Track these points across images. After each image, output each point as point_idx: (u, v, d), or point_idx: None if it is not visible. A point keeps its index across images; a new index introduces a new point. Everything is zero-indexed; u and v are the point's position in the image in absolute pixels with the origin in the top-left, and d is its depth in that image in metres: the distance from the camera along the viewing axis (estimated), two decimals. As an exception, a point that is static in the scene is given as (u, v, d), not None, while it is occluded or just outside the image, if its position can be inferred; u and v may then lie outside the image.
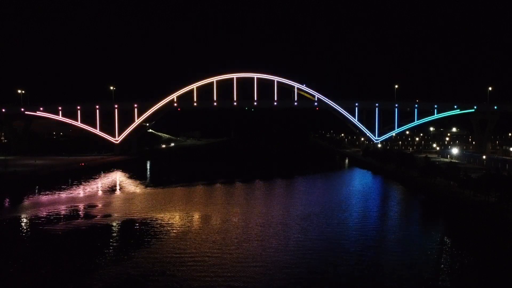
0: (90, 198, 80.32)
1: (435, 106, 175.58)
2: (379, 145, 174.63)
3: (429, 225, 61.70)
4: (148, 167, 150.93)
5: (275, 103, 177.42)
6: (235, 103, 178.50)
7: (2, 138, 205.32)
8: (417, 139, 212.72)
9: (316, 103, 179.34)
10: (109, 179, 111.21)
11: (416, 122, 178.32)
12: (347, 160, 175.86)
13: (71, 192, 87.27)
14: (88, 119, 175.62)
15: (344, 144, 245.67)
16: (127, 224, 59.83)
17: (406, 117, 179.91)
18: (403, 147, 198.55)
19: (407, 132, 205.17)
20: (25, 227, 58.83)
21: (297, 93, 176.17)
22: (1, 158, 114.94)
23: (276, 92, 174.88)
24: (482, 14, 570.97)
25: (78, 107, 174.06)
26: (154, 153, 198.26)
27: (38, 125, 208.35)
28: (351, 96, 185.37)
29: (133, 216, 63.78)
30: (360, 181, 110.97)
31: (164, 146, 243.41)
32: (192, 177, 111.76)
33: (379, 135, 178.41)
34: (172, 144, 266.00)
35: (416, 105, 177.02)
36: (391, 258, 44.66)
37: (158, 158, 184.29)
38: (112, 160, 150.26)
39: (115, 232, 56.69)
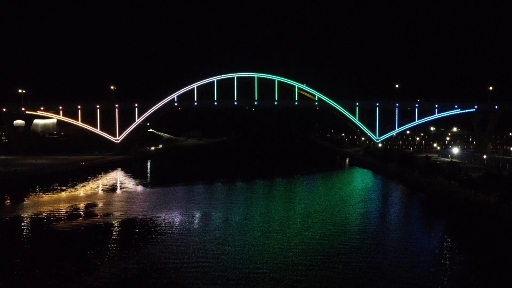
0: (91, 197, 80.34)
1: (436, 105, 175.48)
2: (380, 145, 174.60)
3: (430, 224, 61.73)
4: (148, 167, 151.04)
5: (276, 103, 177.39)
6: (235, 103, 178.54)
7: (3, 137, 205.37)
8: (417, 138, 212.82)
9: (316, 103, 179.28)
10: (109, 179, 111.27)
11: (417, 122, 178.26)
12: (347, 160, 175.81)
13: (71, 191, 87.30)
14: (89, 118, 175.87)
15: (345, 143, 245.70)
16: (129, 222, 59.83)
17: (406, 117, 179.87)
18: (403, 147, 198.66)
19: (408, 132, 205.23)
20: (25, 227, 58.81)
21: (298, 92, 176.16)
22: (1, 158, 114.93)
23: (277, 91, 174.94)
24: (482, 14, 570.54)
25: (79, 107, 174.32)
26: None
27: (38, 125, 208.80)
28: (351, 96, 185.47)
29: (134, 215, 63.80)
30: (361, 180, 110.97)
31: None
32: (193, 176, 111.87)
33: (380, 135, 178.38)
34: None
35: (416, 105, 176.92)
36: (392, 256, 44.64)
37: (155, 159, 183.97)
38: (113, 159, 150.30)
39: (117, 231, 56.70)
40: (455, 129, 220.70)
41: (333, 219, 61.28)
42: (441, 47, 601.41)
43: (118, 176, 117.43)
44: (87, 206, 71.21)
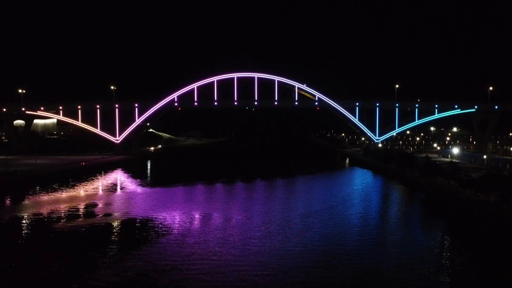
0: (91, 197, 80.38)
1: (436, 105, 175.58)
2: (380, 145, 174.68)
3: (430, 224, 61.77)
4: (148, 167, 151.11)
5: (276, 103, 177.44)
6: (235, 103, 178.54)
7: (3, 137, 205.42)
8: (417, 139, 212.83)
9: (316, 103, 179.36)
10: (110, 179, 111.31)
11: (417, 122, 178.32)
12: (347, 160, 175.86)
13: (72, 191, 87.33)
14: (89, 118, 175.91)
15: (345, 143, 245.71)
16: (129, 223, 59.87)
17: (406, 117, 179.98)
18: (403, 147, 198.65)
19: (408, 132, 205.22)
20: (26, 227, 58.90)
21: (298, 92, 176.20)
22: (1, 158, 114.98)
23: (277, 91, 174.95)
24: (482, 14, 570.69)
25: (79, 107, 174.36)
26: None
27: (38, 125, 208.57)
28: (351, 96, 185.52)
29: (135, 215, 63.80)
30: (361, 180, 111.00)
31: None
32: (193, 176, 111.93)
33: (380, 135, 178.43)
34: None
35: (416, 105, 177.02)
36: (392, 256, 44.72)
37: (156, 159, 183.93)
38: (113, 159, 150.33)
39: (117, 231, 56.78)
40: (455, 129, 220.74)
41: (333, 219, 61.33)
42: (441, 47, 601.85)
43: (118, 176, 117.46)
44: (87, 206, 71.25)
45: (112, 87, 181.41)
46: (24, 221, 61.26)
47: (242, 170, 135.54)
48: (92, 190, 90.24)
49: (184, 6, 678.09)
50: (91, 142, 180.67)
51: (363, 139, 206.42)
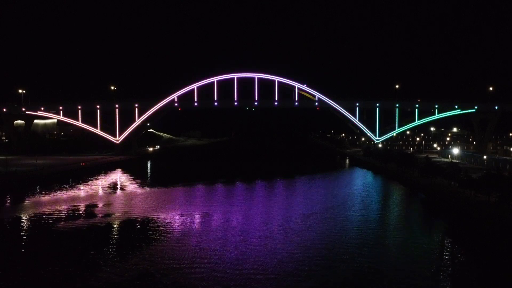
0: (92, 197, 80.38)
1: (436, 106, 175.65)
2: (380, 145, 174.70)
3: (430, 224, 61.82)
4: (149, 167, 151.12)
5: (276, 103, 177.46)
6: (235, 103, 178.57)
7: (3, 137, 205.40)
8: (417, 139, 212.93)
9: (317, 103, 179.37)
10: (110, 179, 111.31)
11: (417, 122, 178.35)
12: (347, 160, 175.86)
13: (72, 191, 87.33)
14: (89, 118, 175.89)
15: (345, 144, 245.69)
16: (130, 223, 59.88)
17: (406, 117, 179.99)
18: (403, 147, 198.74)
19: (408, 132, 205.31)
20: (26, 227, 58.91)
21: (298, 93, 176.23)
22: (1, 158, 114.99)
23: (277, 92, 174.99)
24: (482, 14, 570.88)
25: (79, 107, 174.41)
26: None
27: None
28: (351, 96, 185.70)
29: (136, 216, 63.82)
30: (361, 180, 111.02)
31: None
32: (193, 176, 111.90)
33: (380, 135, 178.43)
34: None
35: (416, 105, 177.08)
36: (393, 256, 44.83)
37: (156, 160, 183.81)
38: (113, 160, 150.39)
39: (118, 232, 56.79)
40: (455, 129, 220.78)
41: (334, 220, 61.35)
42: (441, 47, 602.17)
43: (118, 177, 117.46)
44: (87, 207, 71.24)
45: (112, 87, 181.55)
46: (24, 221, 61.27)
47: (242, 170, 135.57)
48: (92, 190, 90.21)
49: (184, 6, 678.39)
50: (91, 142, 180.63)
51: (363, 139, 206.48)
